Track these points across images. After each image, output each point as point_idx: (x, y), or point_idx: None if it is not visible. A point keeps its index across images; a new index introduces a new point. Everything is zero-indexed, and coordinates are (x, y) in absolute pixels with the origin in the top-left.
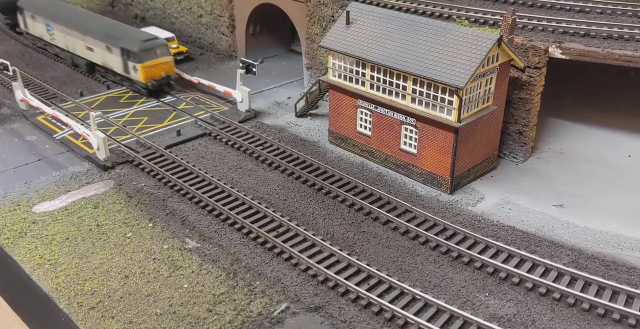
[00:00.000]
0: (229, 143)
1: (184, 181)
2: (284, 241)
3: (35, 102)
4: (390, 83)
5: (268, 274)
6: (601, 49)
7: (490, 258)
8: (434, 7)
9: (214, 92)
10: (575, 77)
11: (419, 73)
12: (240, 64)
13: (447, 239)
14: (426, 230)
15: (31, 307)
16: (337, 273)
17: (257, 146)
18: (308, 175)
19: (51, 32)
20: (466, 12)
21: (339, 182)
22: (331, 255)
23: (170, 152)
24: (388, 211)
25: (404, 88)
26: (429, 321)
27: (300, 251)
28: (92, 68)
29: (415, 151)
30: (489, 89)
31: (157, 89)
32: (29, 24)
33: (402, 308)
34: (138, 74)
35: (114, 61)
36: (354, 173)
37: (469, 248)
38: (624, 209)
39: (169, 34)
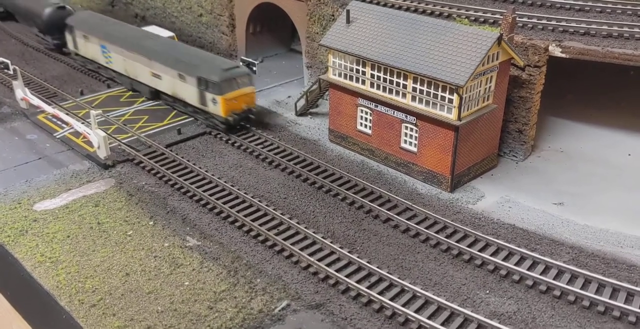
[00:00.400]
0: (230, 142)
1: (185, 180)
2: (285, 239)
3: (36, 101)
4: (391, 81)
5: (269, 272)
6: (601, 48)
7: (491, 255)
8: (434, 6)
9: None
10: (575, 76)
11: (419, 71)
12: (241, 63)
13: (447, 237)
14: (427, 228)
15: (32, 305)
16: (337, 270)
17: (257, 145)
18: (308, 173)
19: (107, 55)
20: (466, 11)
21: (339, 180)
22: (332, 253)
23: (170, 150)
24: (388, 209)
25: (404, 86)
26: (429, 318)
27: (301, 249)
28: (156, 96)
29: (415, 150)
30: (489, 87)
31: (236, 124)
32: (79, 44)
33: (403, 306)
34: (217, 107)
35: (188, 92)
36: (355, 171)
37: (470, 246)
38: (623, 207)
39: (169, 33)
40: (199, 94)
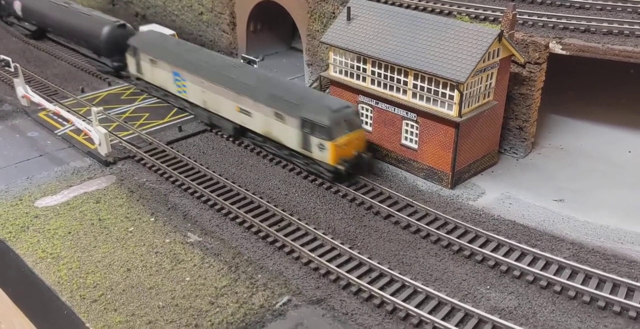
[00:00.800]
0: (230, 139)
1: (186, 176)
2: (286, 235)
3: (37, 99)
4: (392, 78)
5: (270, 268)
6: (601, 45)
7: (491, 251)
8: (435, 3)
9: None
10: (576, 73)
11: (420, 68)
12: (242, 60)
13: (448, 233)
14: (427, 224)
15: (33, 300)
16: (338, 266)
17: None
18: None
19: (181, 84)
20: (467, 8)
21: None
22: (333, 249)
23: (171, 147)
24: (389, 206)
25: (405, 83)
26: (430, 313)
27: (302, 245)
28: (241, 133)
29: (416, 146)
30: (490, 84)
31: (346, 173)
32: (144, 68)
33: (404, 301)
34: (325, 153)
35: (287, 134)
36: None
37: (470, 242)
38: (624, 204)
39: (170, 32)
40: (302, 137)
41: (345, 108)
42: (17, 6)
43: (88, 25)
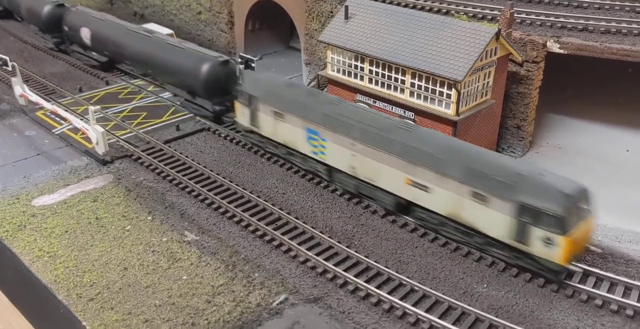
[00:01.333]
0: (228, 138)
1: (183, 175)
2: (283, 234)
3: (34, 98)
4: (389, 77)
5: (267, 266)
6: (599, 44)
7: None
8: (432, 2)
9: None
10: (574, 72)
11: (417, 67)
12: (239, 59)
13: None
14: None
15: (30, 299)
16: (335, 264)
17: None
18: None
19: (318, 143)
20: (464, 7)
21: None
22: (330, 247)
23: (169, 146)
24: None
25: (403, 82)
26: (427, 311)
27: (299, 244)
28: (404, 210)
29: None
30: (487, 82)
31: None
32: (262, 121)
33: (401, 299)
34: (553, 250)
35: (489, 219)
36: None
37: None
38: (622, 202)
39: (168, 31)
40: (516, 226)
41: (579, 191)
42: (85, 33)
43: (181, 61)
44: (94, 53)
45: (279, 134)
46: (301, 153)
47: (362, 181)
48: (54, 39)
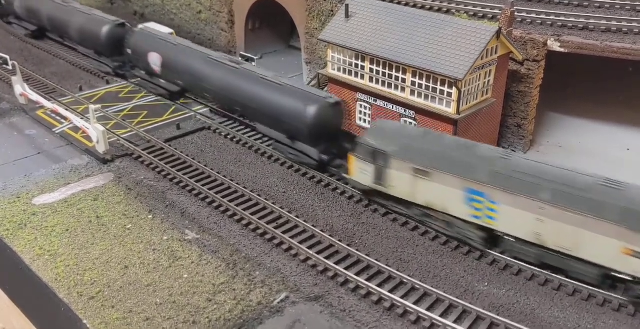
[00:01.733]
0: (229, 137)
1: (184, 174)
2: (284, 232)
3: (35, 97)
4: (390, 76)
5: (268, 265)
6: (599, 42)
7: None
8: (433, 0)
9: None
10: (574, 71)
11: (418, 65)
12: (240, 58)
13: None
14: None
15: (30, 298)
16: (336, 263)
17: (256, 140)
18: (307, 168)
19: (481, 206)
20: (465, 6)
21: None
22: (331, 246)
23: (169, 145)
24: None
25: (403, 81)
26: (428, 310)
27: (300, 242)
28: (608, 282)
29: None
30: (488, 81)
31: None
32: (394, 180)
33: (402, 297)
34: None
35: None
36: None
37: None
38: None
39: (169, 30)
40: None
41: None
42: (155, 60)
43: (280, 101)
44: (162, 81)
45: (420, 195)
46: (453, 216)
47: (548, 250)
48: (115, 63)
